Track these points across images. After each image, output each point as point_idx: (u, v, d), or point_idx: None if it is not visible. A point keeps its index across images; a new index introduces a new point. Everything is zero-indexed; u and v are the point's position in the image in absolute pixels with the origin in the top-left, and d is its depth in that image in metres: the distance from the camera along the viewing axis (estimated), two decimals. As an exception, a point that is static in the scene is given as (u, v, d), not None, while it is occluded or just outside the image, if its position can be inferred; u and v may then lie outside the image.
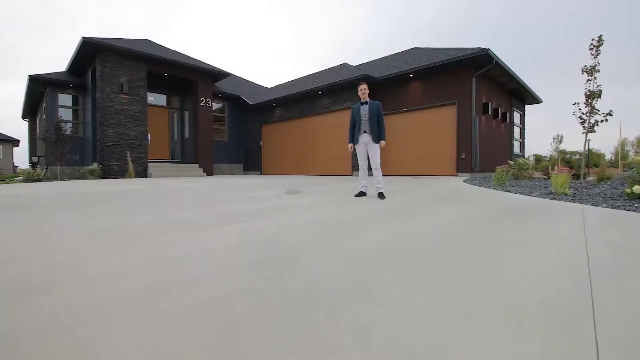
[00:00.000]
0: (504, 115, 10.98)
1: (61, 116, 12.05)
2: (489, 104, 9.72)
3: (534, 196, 5.21)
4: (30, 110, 18.01)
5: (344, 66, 13.90)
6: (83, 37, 10.27)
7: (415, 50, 13.18)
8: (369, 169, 4.85)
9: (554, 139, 76.73)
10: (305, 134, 13.63)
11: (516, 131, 13.11)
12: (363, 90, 4.73)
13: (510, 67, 9.72)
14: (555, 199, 4.94)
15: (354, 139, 4.87)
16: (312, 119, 13.27)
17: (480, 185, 6.73)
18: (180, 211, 3.39)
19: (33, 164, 16.75)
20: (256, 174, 15.82)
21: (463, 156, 9.21)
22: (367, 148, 4.77)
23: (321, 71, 15.81)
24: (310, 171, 13.28)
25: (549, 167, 9.85)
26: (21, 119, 19.72)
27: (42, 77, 12.16)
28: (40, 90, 12.98)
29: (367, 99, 4.77)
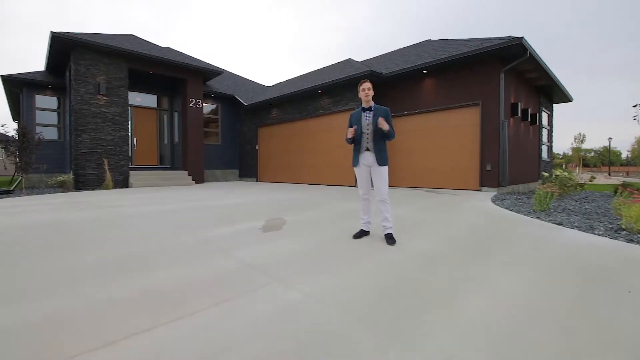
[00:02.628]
0: (533, 116, 9.43)
1: (23, 122, 10.86)
2: (518, 104, 8.21)
3: (598, 234, 3.80)
4: (18, 112, 17.10)
5: (348, 62, 12.47)
6: (52, 32, 9.11)
7: (428, 42, 11.67)
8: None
9: (575, 138, 75.46)
10: (304, 137, 12.26)
11: (544, 133, 11.53)
12: (366, 91, 3.34)
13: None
14: (632, 240, 3.54)
15: (352, 160, 3.53)
16: (312, 121, 11.89)
17: (517, 210, 5.30)
18: (54, 295, 2.08)
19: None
20: (252, 180, 14.56)
21: (488, 168, 7.72)
22: (371, 172, 3.42)
23: (323, 68, 14.39)
24: (310, 179, 11.93)
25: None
26: (12, 120, 18.92)
27: (16, 77, 11.09)
28: (16, 91, 11.95)
29: (372, 103, 3.42)
